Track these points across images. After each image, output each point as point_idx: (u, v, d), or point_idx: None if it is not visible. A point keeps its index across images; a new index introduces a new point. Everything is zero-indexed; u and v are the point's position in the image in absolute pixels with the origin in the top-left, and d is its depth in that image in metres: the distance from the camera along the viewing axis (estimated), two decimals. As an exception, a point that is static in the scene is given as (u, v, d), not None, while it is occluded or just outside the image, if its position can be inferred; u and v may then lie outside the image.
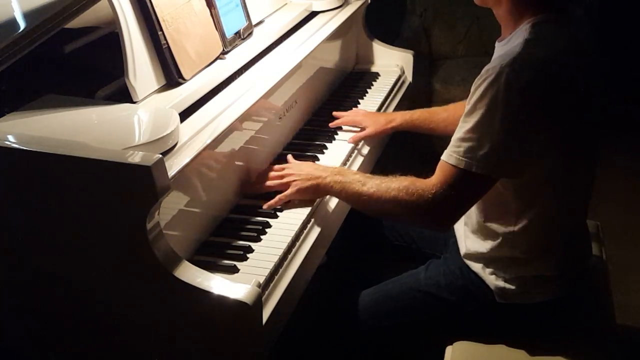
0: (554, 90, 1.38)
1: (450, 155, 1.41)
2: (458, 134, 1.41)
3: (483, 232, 1.56)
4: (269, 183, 1.64)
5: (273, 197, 1.59)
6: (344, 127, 2.00)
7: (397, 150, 2.10)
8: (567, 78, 1.41)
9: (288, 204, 1.60)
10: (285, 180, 1.61)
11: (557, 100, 1.39)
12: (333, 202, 1.67)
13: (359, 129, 1.99)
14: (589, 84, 1.47)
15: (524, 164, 1.41)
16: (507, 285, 1.55)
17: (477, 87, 1.38)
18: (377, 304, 1.67)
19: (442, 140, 1.67)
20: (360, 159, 1.92)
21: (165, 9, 1.53)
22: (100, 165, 1.19)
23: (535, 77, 1.35)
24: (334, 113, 2.05)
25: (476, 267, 1.59)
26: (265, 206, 1.58)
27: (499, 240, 1.54)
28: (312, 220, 1.58)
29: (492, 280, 1.56)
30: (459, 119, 1.43)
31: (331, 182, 1.56)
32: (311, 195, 1.60)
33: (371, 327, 1.67)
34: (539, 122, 1.38)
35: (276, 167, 1.69)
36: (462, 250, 1.64)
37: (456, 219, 1.51)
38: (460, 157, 1.38)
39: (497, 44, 1.55)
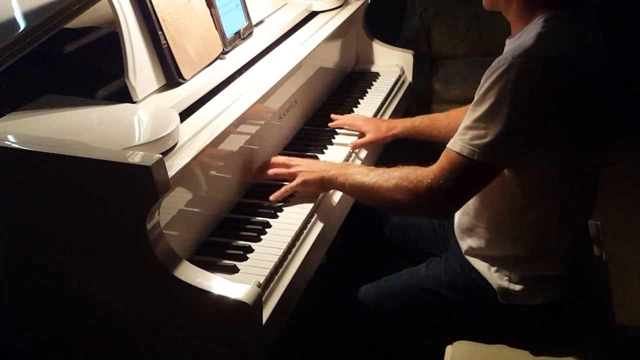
0: (564, 88, 1.37)
1: (455, 143, 1.41)
2: (466, 122, 1.41)
3: (488, 229, 1.56)
4: (275, 171, 1.66)
5: (274, 192, 1.61)
6: (345, 129, 1.99)
7: (396, 150, 2.08)
8: (579, 76, 1.40)
9: (289, 203, 1.60)
10: (292, 170, 1.64)
11: (567, 98, 1.38)
12: (334, 202, 1.67)
13: (357, 133, 1.97)
14: (599, 84, 1.47)
15: (527, 157, 1.41)
16: (512, 286, 1.54)
17: (488, 77, 1.37)
18: (376, 301, 1.67)
19: (443, 143, 1.66)
20: (359, 161, 1.91)
21: (165, 9, 1.53)
22: (100, 165, 1.19)
23: (546, 73, 1.35)
24: (332, 116, 2.02)
25: (481, 266, 1.59)
26: (272, 197, 1.60)
27: (504, 238, 1.54)
28: (313, 220, 1.58)
29: (497, 279, 1.56)
30: None
31: (336, 174, 1.58)
32: (316, 187, 1.62)
33: (371, 325, 1.67)
34: (547, 118, 1.37)
35: (281, 157, 1.71)
36: (465, 249, 1.63)
37: (455, 208, 1.50)
38: (465, 145, 1.38)
39: (507, 42, 1.54)
